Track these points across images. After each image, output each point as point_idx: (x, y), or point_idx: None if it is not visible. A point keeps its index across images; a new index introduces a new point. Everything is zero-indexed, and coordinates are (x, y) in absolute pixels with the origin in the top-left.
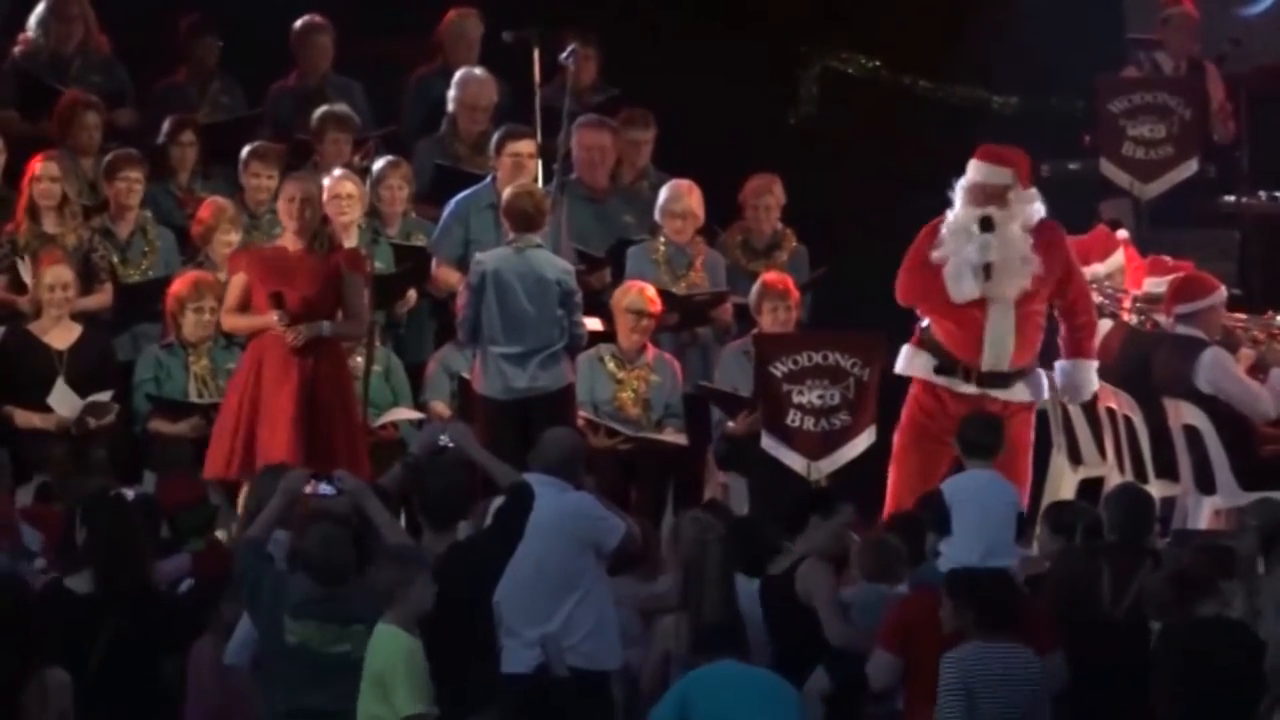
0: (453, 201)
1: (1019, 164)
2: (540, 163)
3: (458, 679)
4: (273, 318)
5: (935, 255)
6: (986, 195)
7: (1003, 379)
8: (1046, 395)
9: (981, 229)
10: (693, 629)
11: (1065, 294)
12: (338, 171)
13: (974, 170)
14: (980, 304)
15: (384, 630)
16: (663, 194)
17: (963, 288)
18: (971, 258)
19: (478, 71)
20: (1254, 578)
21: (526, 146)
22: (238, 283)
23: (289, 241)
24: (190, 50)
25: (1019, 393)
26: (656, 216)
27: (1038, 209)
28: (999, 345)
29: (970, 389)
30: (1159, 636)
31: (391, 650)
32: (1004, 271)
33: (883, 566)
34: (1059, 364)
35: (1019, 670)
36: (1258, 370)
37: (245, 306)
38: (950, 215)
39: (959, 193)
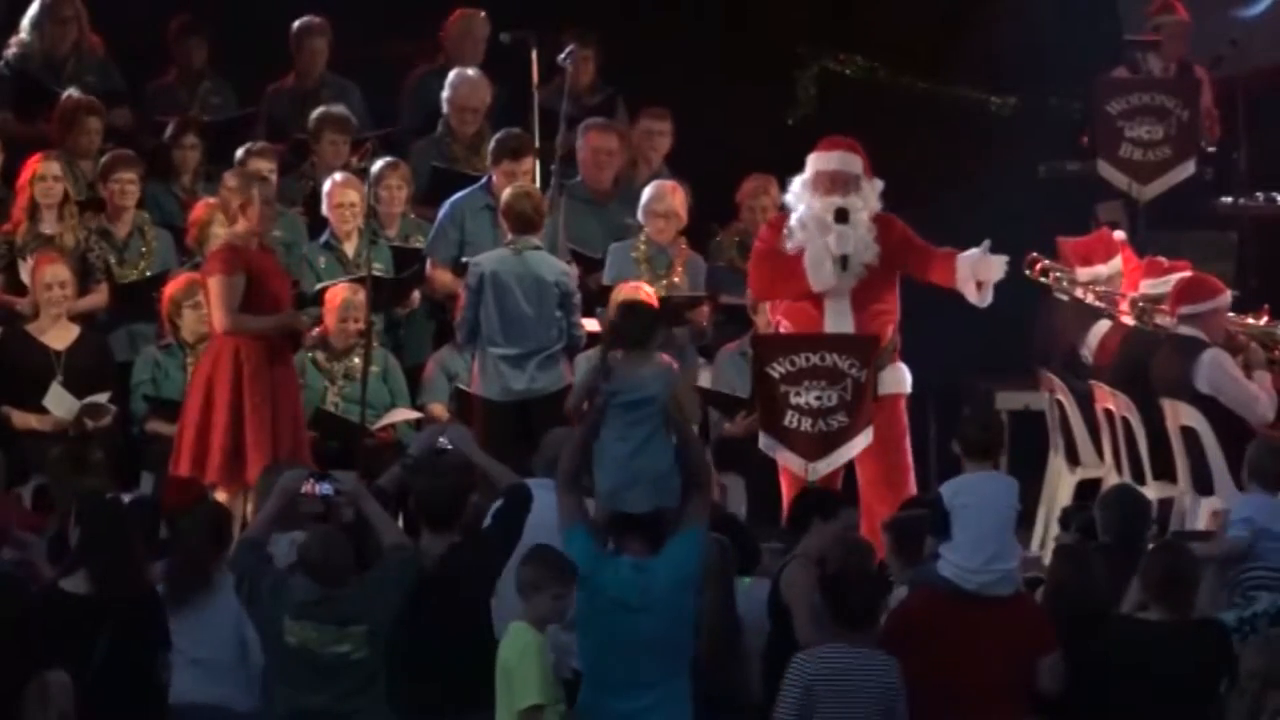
0: (447, 203)
1: (862, 154)
2: (538, 164)
3: (456, 679)
4: (305, 317)
5: (790, 245)
6: (838, 184)
7: None
8: (907, 389)
9: (836, 220)
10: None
11: (910, 257)
12: (339, 177)
13: (824, 160)
14: (817, 301)
15: (514, 626)
16: (646, 193)
17: (822, 275)
18: (831, 247)
19: (470, 72)
20: None
21: (525, 165)
22: (235, 283)
23: (245, 240)
24: (178, 51)
25: None
26: (639, 216)
27: (877, 200)
28: None
29: None
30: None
31: (516, 645)
32: (853, 264)
33: None
34: (960, 258)
35: (873, 677)
36: (1248, 372)
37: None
38: (798, 209)
39: (801, 185)
